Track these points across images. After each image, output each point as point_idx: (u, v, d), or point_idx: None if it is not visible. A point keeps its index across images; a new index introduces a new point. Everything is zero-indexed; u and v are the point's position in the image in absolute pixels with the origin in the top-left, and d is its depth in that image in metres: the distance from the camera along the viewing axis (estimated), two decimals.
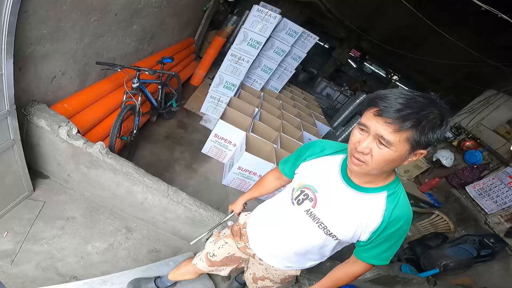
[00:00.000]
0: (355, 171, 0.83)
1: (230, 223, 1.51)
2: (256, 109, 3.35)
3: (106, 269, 1.72)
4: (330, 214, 0.94)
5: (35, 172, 1.87)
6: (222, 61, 3.45)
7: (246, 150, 2.54)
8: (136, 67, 2.16)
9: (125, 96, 2.19)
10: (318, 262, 1.17)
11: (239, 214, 1.39)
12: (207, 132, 3.46)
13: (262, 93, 3.93)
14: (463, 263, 2.98)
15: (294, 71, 4.30)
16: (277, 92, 4.47)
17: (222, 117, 2.88)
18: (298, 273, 1.24)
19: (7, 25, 1.14)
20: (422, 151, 0.74)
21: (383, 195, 0.87)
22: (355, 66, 11.68)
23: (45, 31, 1.52)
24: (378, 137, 0.72)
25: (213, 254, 1.33)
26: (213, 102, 3.65)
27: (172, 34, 3.55)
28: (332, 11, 4.98)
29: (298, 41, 3.87)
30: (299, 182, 1.02)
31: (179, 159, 2.89)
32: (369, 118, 0.74)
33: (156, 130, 3.10)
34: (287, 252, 1.10)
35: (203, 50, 5.28)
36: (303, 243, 1.04)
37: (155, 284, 1.60)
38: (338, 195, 0.92)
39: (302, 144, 2.20)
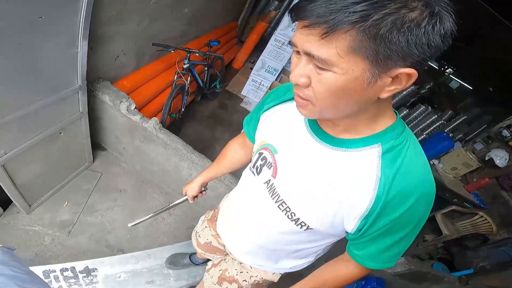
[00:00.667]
0: (304, 115, 0.55)
1: None
2: None
3: (148, 244, 1.81)
4: (293, 187, 0.63)
5: (95, 144, 2.04)
6: (263, 45, 3.43)
7: None
8: (187, 49, 2.25)
9: (176, 76, 2.31)
10: (302, 263, 0.86)
11: (194, 198, 1.08)
12: (247, 113, 3.52)
13: None
14: (500, 265, 2.82)
15: None
16: None
17: None
18: (276, 279, 0.92)
19: (85, 6, 1.22)
20: (403, 70, 0.42)
21: (374, 152, 0.53)
22: None
23: (113, 13, 1.62)
24: (310, 56, 0.44)
25: (199, 235, 1.18)
26: (254, 86, 3.69)
27: (217, 18, 3.58)
28: None
29: None
30: (258, 142, 0.74)
31: (220, 139, 2.99)
32: (296, 30, 0.45)
33: (200, 110, 3.23)
34: (250, 244, 0.82)
35: (245, 35, 5.28)
36: (266, 233, 0.76)
37: (190, 260, 1.65)
38: (304, 155, 0.61)
39: None
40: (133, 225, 1.21)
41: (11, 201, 1.60)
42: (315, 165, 0.59)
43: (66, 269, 1.43)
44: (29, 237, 1.63)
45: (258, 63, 3.51)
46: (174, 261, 1.65)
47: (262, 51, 3.47)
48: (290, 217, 0.65)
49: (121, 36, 1.84)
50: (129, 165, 2.15)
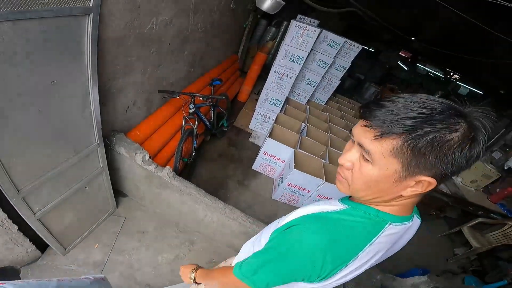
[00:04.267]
0: (338, 188, 0.66)
1: None
2: (303, 124, 3.38)
3: (172, 278, 1.92)
4: None
5: (116, 191, 2.16)
6: (266, 74, 3.53)
7: (295, 166, 2.59)
8: (191, 93, 2.36)
9: (183, 121, 2.42)
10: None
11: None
12: (256, 148, 3.62)
13: (307, 107, 3.95)
14: None
15: (339, 82, 4.23)
16: (323, 104, 4.44)
17: (270, 135, 2.97)
18: None
19: (90, 65, 1.31)
20: (426, 178, 0.51)
21: (339, 206, 0.65)
22: (406, 69, 10.90)
23: (118, 67, 1.73)
24: (361, 148, 0.55)
25: None
26: (260, 119, 3.79)
27: (218, 54, 3.74)
28: (374, 18, 4.76)
29: (340, 52, 3.81)
30: None
31: (232, 176, 3.05)
32: (357, 124, 0.58)
33: (210, 149, 3.33)
34: None
35: (246, 65, 5.47)
36: None
37: None
38: None
39: None
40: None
41: (48, 245, 1.70)
42: None
43: None
44: (67, 275, 1.73)
45: (262, 96, 3.62)
46: None
47: (265, 79, 3.56)
48: None
49: (128, 87, 1.95)
50: (149, 209, 2.24)
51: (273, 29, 5.57)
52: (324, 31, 3.41)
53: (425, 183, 0.52)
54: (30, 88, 1.09)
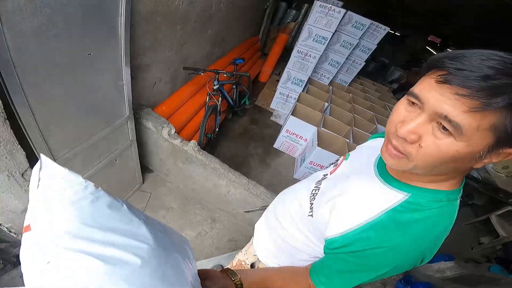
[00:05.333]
0: (390, 165, 0.54)
1: None
2: (326, 104, 3.30)
3: (195, 256, 1.95)
4: (332, 184, 0.72)
5: (143, 167, 2.20)
6: (287, 56, 3.48)
7: (318, 145, 2.55)
8: (215, 70, 2.36)
9: (207, 97, 2.42)
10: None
11: None
12: (278, 127, 3.60)
13: (331, 87, 3.85)
14: None
15: (364, 63, 4.06)
16: (347, 85, 4.30)
17: (293, 113, 2.93)
18: None
19: (124, 39, 1.33)
20: (510, 150, 0.44)
21: (398, 197, 0.56)
22: (435, 53, 10.25)
23: (146, 43, 1.76)
24: (438, 117, 0.44)
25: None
26: (282, 98, 3.74)
27: (239, 35, 3.71)
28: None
29: (366, 33, 3.63)
30: None
31: (253, 154, 3.07)
32: (427, 86, 0.46)
33: (232, 127, 3.34)
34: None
35: (267, 47, 5.41)
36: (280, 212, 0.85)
37: None
38: (357, 174, 0.68)
39: None
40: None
41: None
42: (355, 184, 0.66)
43: None
44: None
45: (284, 75, 3.56)
46: None
47: (286, 61, 3.52)
48: (310, 205, 0.72)
49: (156, 64, 1.98)
50: (174, 185, 2.29)
51: (294, 11, 5.49)
52: (349, 12, 3.27)
53: (505, 154, 0.45)
54: (69, 60, 1.11)
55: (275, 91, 3.76)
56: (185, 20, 2.07)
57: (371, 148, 0.75)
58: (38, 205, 0.36)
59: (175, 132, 1.96)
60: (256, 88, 4.37)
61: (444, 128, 0.43)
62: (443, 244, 0.57)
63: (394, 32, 10.28)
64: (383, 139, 0.57)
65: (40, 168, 0.37)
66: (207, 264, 1.83)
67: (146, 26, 1.66)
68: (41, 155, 0.38)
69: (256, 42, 4.82)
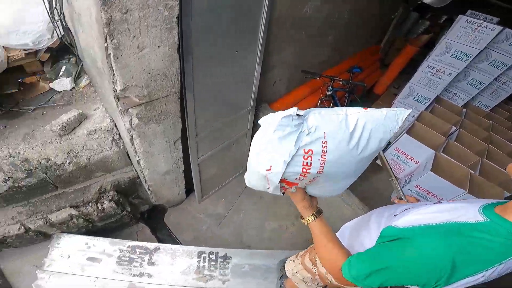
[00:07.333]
0: None
1: None
2: (453, 127, 2.81)
3: (270, 246, 2.07)
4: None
5: None
6: (411, 69, 3.15)
7: (431, 169, 2.24)
8: (331, 76, 2.40)
9: (319, 101, 2.49)
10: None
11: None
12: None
13: (464, 110, 3.24)
14: None
15: None
16: (487, 110, 3.53)
17: (408, 131, 2.65)
18: None
19: (261, 41, 1.54)
20: None
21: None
22: None
23: (274, 46, 1.95)
24: None
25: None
26: None
27: (359, 43, 3.62)
28: None
29: None
30: None
31: None
32: None
33: None
34: None
35: (389, 57, 5.01)
36: None
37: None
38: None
39: None
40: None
41: (190, 192, 2.18)
42: None
43: (212, 253, 1.82)
44: (194, 221, 2.19)
45: (405, 90, 3.26)
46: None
47: (408, 74, 3.23)
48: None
49: (279, 65, 2.18)
50: None
51: (427, 22, 4.84)
52: (507, 29, 2.69)
53: None
54: (222, 55, 1.38)
55: (391, 104, 3.48)
56: (309, 26, 2.20)
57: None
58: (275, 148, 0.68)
59: None
60: (369, 99, 4.15)
61: None
62: None
63: None
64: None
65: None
66: (280, 255, 1.89)
67: (277, 30, 1.85)
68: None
69: (377, 51, 4.55)
